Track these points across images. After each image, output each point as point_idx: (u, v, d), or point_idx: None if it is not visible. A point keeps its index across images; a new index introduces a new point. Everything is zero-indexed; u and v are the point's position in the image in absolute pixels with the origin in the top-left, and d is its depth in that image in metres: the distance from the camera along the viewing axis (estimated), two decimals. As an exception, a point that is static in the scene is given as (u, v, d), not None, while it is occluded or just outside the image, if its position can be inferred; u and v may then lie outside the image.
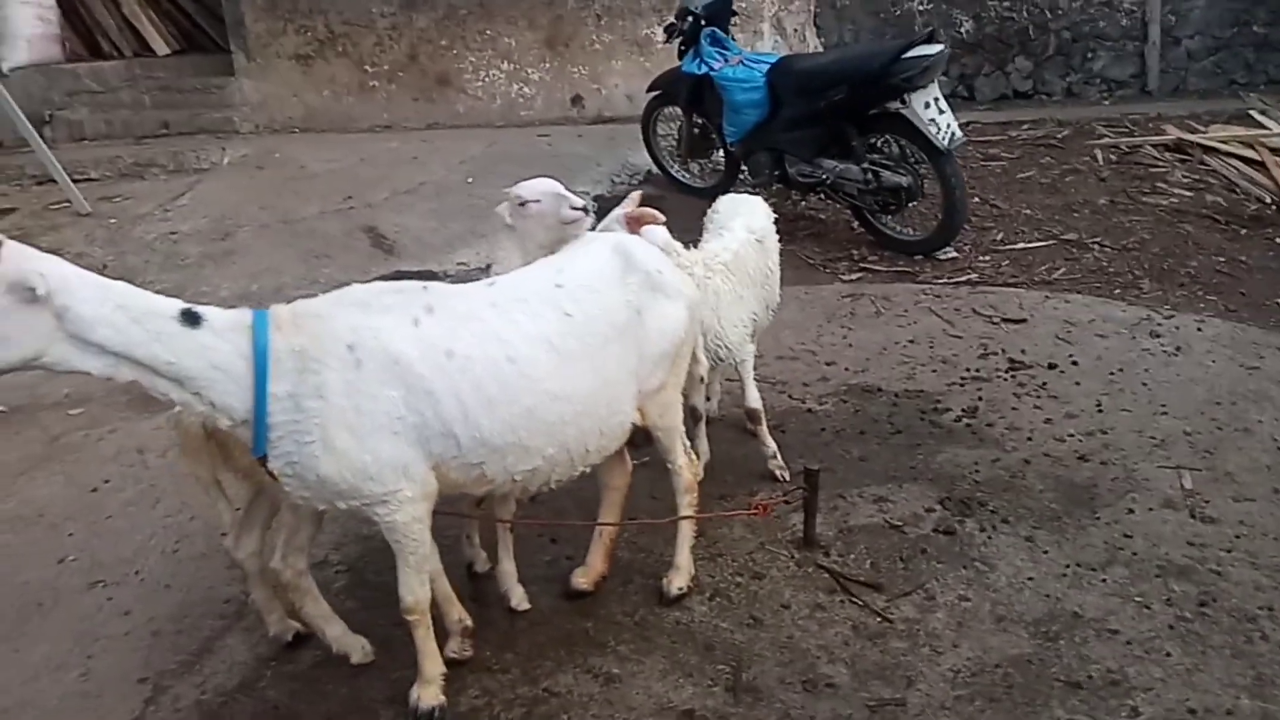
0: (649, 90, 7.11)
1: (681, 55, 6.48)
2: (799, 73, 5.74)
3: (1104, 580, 2.82)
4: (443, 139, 8.83)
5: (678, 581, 2.83)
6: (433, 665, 2.42)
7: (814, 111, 5.69)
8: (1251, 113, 7.31)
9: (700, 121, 6.71)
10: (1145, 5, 9.64)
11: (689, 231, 6.18)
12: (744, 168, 6.61)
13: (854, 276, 5.58)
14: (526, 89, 9.96)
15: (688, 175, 7.22)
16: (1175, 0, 9.63)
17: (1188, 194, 6.19)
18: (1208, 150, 6.67)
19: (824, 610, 2.79)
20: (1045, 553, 2.97)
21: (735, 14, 6.63)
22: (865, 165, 5.62)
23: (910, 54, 5.11)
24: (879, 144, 5.71)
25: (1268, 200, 5.79)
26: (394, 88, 9.71)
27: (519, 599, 2.82)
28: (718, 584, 2.92)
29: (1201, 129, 7.09)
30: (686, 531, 2.86)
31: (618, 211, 3.05)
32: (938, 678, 2.49)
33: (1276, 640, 2.53)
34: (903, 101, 5.26)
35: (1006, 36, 9.97)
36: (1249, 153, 6.47)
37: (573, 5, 9.77)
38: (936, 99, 5.25)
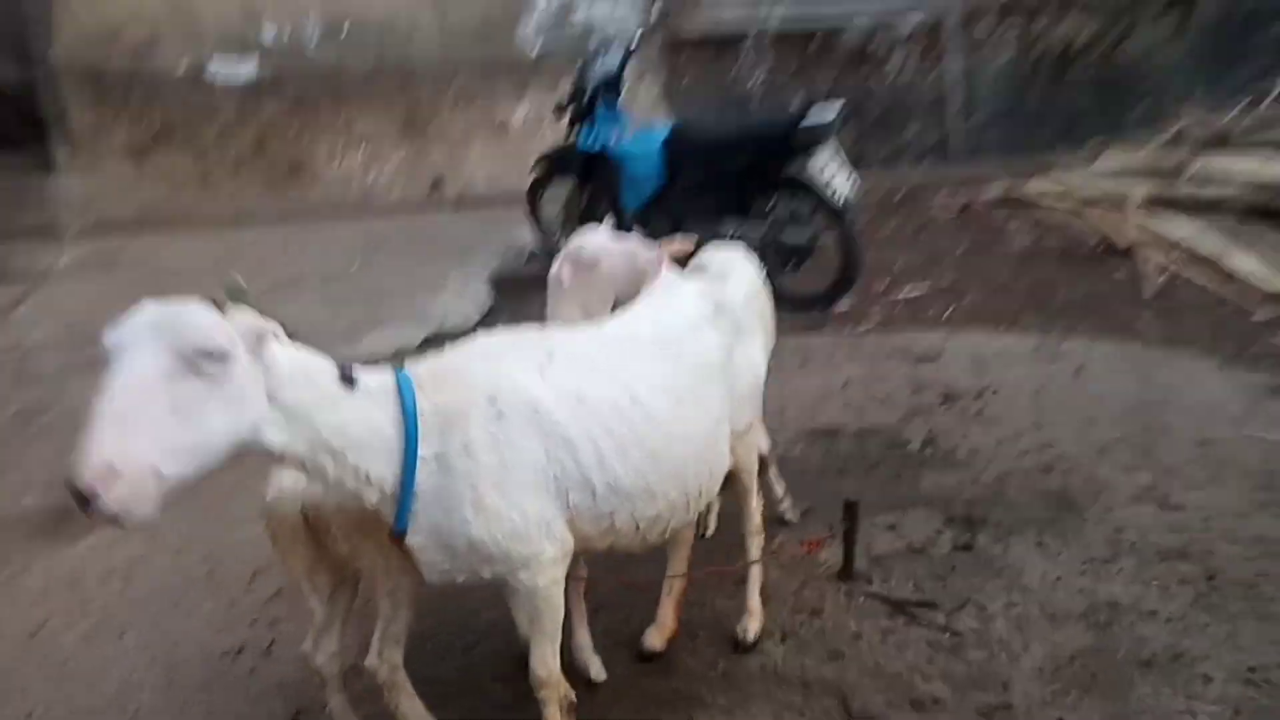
0: (533, 167, 7.23)
1: (571, 131, 6.67)
2: (700, 141, 6.05)
3: (1120, 570, 3.12)
4: (305, 229, 8.52)
5: (754, 627, 2.86)
6: (558, 736, 2.31)
7: (716, 177, 6.00)
8: (1055, 169, 8.38)
9: (589, 194, 6.90)
10: (943, 83, 10.89)
11: None
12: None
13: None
14: (384, 174, 9.83)
15: (575, 249, 7.34)
16: (967, 76, 10.94)
17: (1028, 240, 7.00)
18: (1029, 204, 7.58)
19: (894, 634, 2.90)
20: (1059, 554, 3.25)
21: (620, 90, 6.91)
22: (767, 226, 5.97)
23: (809, 120, 5.53)
24: (773, 205, 6.09)
25: (1094, 243, 6.66)
26: (240, 178, 9.29)
27: (598, 670, 2.75)
28: (782, 625, 2.97)
29: (1019, 184, 8.05)
30: (756, 575, 2.90)
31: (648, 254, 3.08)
32: (1027, 678, 2.65)
33: (1282, 600, 2.89)
34: (803, 164, 5.66)
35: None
36: (1064, 204, 7.42)
37: (429, 89, 9.80)
38: (831, 161, 5.70)
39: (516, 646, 2.61)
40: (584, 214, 7.04)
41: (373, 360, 5.72)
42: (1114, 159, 8.04)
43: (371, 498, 1.97)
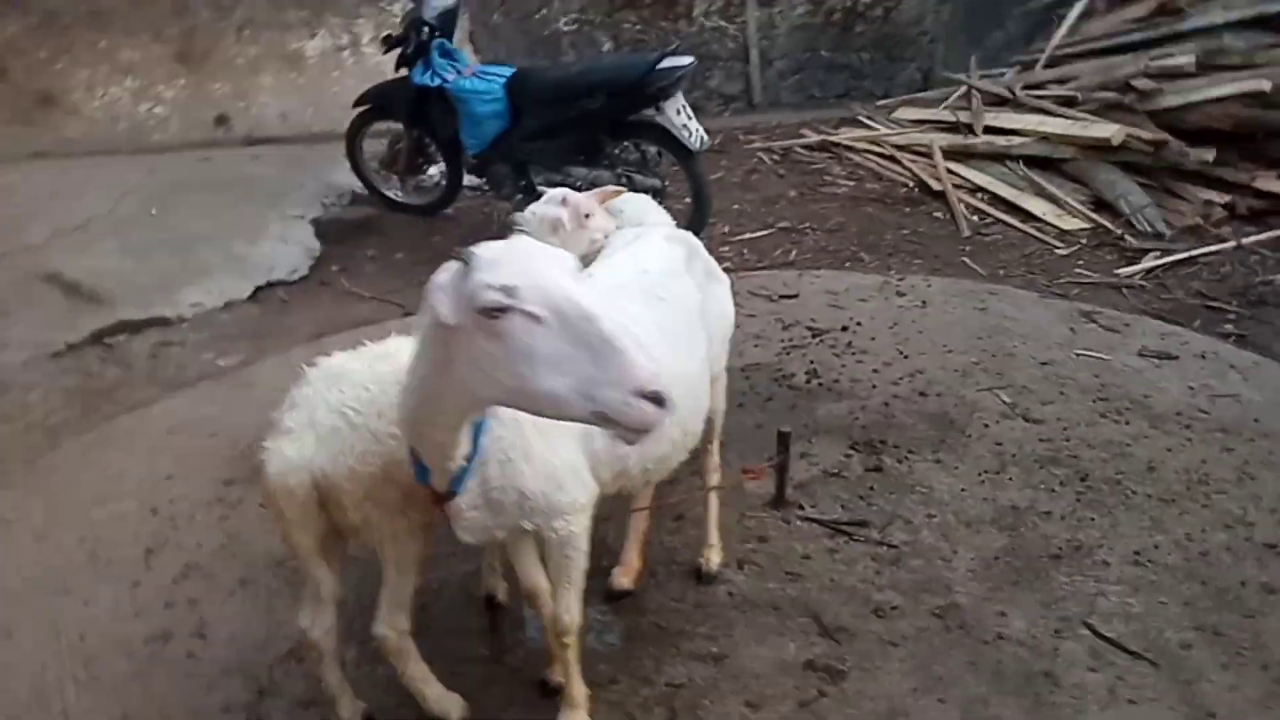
0: (356, 104, 6.74)
1: (401, 67, 6.28)
2: (549, 83, 5.90)
3: (1010, 479, 3.49)
4: (72, 168, 7.46)
5: (715, 558, 2.94)
6: (580, 689, 2.28)
7: (565, 120, 5.89)
8: (859, 117, 8.97)
9: (418, 135, 6.58)
10: (745, 31, 11.24)
11: (416, 250, 6.07)
12: (481, 180, 6.62)
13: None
14: (158, 109, 8.80)
15: (403, 193, 7.00)
16: (765, 28, 11.36)
17: (850, 183, 7.48)
18: (848, 149, 8.09)
19: (839, 553, 3.08)
20: (956, 468, 3.57)
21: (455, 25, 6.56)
22: (619, 170, 5.97)
23: (664, 64, 5.55)
24: (620, 150, 6.10)
25: (910, 185, 7.23)
26: (-26, 108, 7.98)
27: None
28: (735, 555, 3.07)
29: (831, 132, 8.55)
30: (715, 509, 2.97)
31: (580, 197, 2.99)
32: (964, 579, 2.93)
33: (1143, 493, 3.37)
34: (657, 109, 5.69)
35: (640, 55, 10.98)
36: (877, 149, 7.98)
37: (207, 15, 8.83)
38: (684, 106, 5.77)
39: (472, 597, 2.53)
40: (412, 155, 6.72)
41: (206, 317, 5.33)
42: (913, 111, 8.71)
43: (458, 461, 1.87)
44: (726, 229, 6.65)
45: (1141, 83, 6.77)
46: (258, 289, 5.71)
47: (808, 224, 6.65)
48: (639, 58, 5.81)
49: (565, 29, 10.56)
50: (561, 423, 1.96)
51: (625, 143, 6.07)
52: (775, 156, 8.28)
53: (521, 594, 2.35)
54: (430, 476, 1.89)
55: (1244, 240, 5.79)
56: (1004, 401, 4.09)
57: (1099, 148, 6.67)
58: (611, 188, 3.19)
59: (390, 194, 6.97)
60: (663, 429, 2.14)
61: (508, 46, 10.39)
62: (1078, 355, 4.50)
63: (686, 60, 5.64)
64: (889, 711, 2.42)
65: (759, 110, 11.00)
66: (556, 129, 5.96)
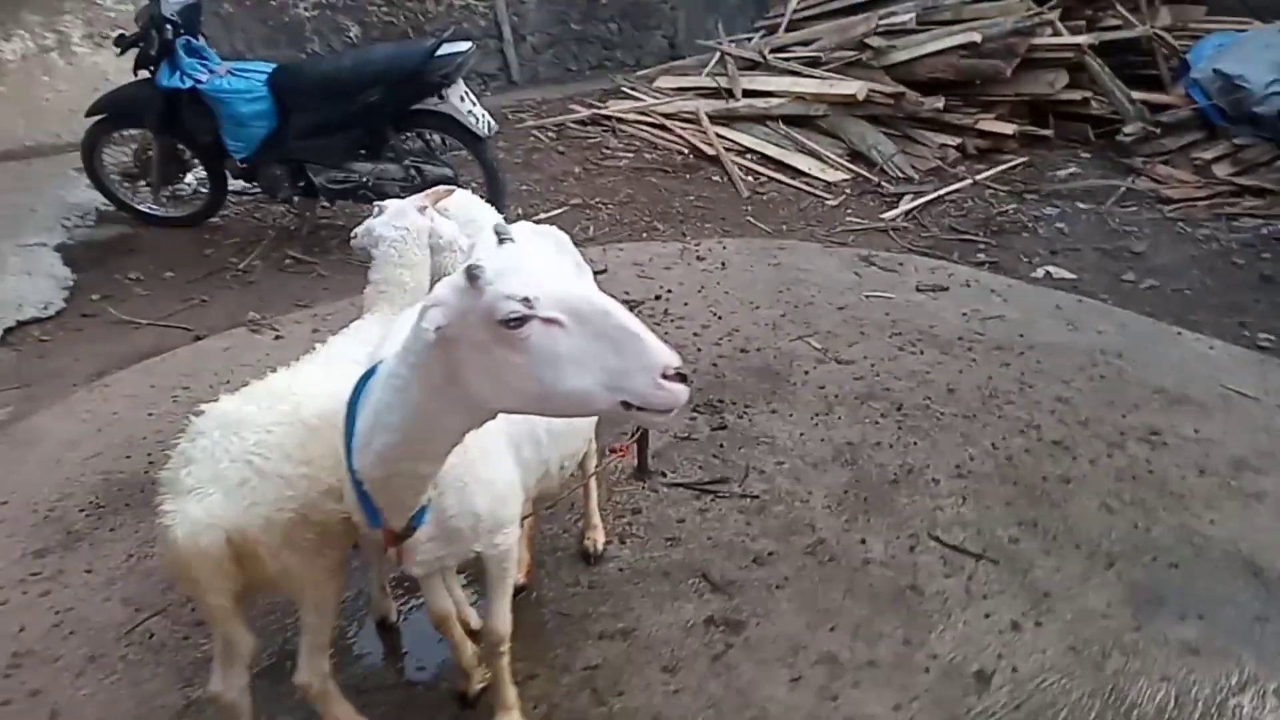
0: (90, 113, 6.07)
1: (142, 69, 5.73)
2: (320, 78, 5.60)
3: (839, 418, 3.83)
4: None
5: (600, 538, 3.02)
6: (511, 691, 2.31)
7: (342, 115, 5.64)
8: (623, 88, 9.20)
9: (170, 142, 6.06)
10: (495, 8, 11.13)
11: (188, 266, 5.66)
12: (251, 184, 6.20)
13: (425, 269, 5.77)
14: None
15: (158, 206, 6.43)
16: (514, 4, 11.31)
17: (629, 155, 7.69)
18: (620, 120, 8.29)
19: (708, 511, 3.26)
20: (791, 415, 3.87)
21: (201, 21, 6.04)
22: (407, 163, 5.81)
23: (443, 51, 5.43)
24: (405, 141, 5.93)
25: (685, 151, 7.56)
26: None
27: (477, 618, 2.72)
28: (614, 530, 3.17)
29: (600, 105, 8.72)
30: (595, 492, 3.05)
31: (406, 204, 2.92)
32: (823, 516, 3.20)
33: (949, 413, 3.81)
34: (440, 96, 5.57)
35: (390, 39, 10.59)
36: (646, 119, 8.25)
37: None
38: (467, 92, 5.69)
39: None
40: (165, 164, 6.16)
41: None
42: (672, 80, 9.04)
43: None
44: (520, 211, 6.62)
45: (874, 40, 7.45)
46: (7, 331, 5.04)
47: (598, 199, 6.79)
48: (416, 46, 5.63)
49: (307, 15, 9.97)
50: (498, 440, 1.98)
51: (409, 134, 5.91)
52: (551, 134, 8.33)
53: (430, 621, 2.32)
54: (381, 519, 1.82)
55: (978, 177, 6.58)
56: (815, 348, 4.44)
57: (847, 103, 7.29)
58: (442, 188, 3.12)
59: (144, 208, 6.37)
60: (574, 423, 2.22)
61: (245, 38, 9.66)
62: (867, 297, 4.96)
63: (465, 45, 5.55)
64: (791, 648, 2.62)
65: (520, 88, 10.96)
66: (333, 124, 5.69)
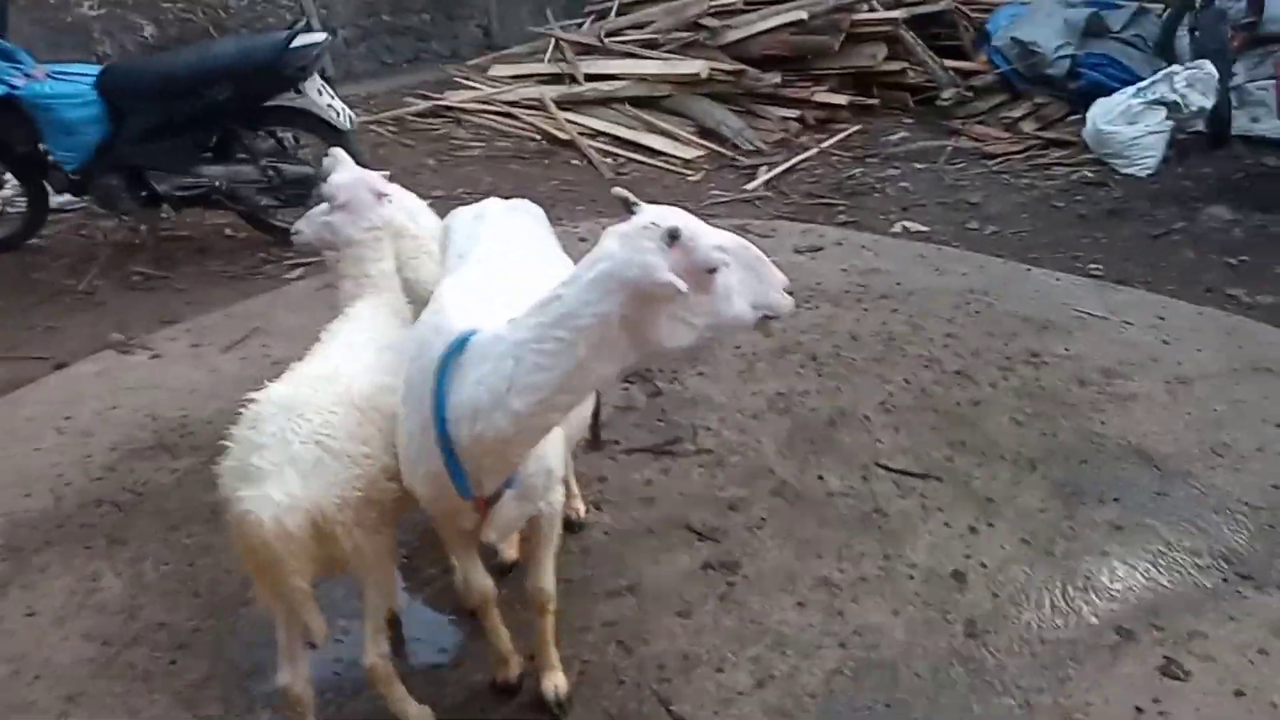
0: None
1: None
2: (158, 77, 5.22)
3: (764, 372, 4.07)
4: None
5: (582, 506, 3.10)
6: (554, 652, 2.37)
7: (186, 116, 5.29)
8: (457, 79, 9.09)
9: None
10: (300, 1, 10.64)
11: (17, 293, 5.27)
12: (80, 198, 5.72)
13: (296, 274, 5.56)
14: None
15: (-33, 228, 5.82)
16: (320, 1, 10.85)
17: (480, 144, 7.64)
18: (463, 111, 8.21)
19: (671, 470, 3.41)
20: (718, 375, 4.06)
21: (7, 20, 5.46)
22: (263, 164, 5.54)
23: (299, 43, 5.21)
24: (254, 141, 5.65)
25: (538, 138, 7.60)
26: None
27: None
28: (587, 499, 3.25)
29: (440, 96, 8.59)
30: (570, 464, 3.11)
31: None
32: (778, 459, 3.42)
33: (860, 358, 4.14)
34: (297, 91, 5.35)
35: (191, 37, 9.92)
36: (490, 108, 8.21)
37: None
38: (323, 85, 5.49)
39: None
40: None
41: None
42: (507, 68, 9.03)
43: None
44: (382, 207, 6.45)
45: (708, 21, 7.78)
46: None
47: (460, 189, 6.71)
48: (267, 39, 5.37)
49: (93, 14, 9.15)
50: None
51: (260, 132, 5.62)
52: (391, 128, 8.12)
53: (472, 607, 2.33)
54: (470, 486, 1.83)
55: (822, 146, 7.06)
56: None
57: (689, 83, 7.59)
58: (382, 173, 3.05)
59: (-49, 232, 5.72)
60: None
61: (22, 39, 8.72)
62: (775, 261, 5.24)
63: (321, 36, 5.37)
64: (787, 577, 2.82)
65: (338, 83, 10.52)
66: (176, 126, 5.34)
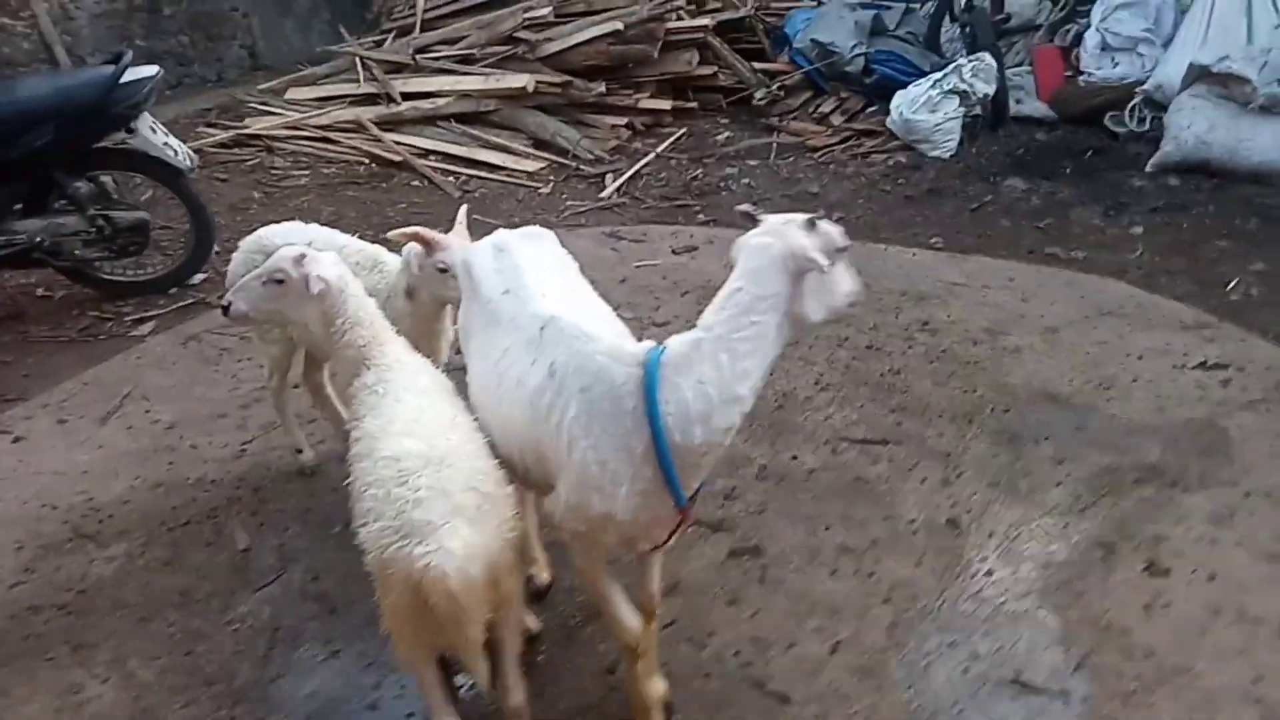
0: None
1: None
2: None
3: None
4: None
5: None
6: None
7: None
8: (253, 104, 8.51)
9: None
10: (37, 27, 9.54)
11: None
12: None
13: (145, 330, 5.07)
14: None
15: None
16: (61, 20, 9.78)
17: (305, 172, 7.24)
18: (270, 138, 7.73)
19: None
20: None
21: None
22: (91, 212, 5.00)
23: (129, 78, 4.74)
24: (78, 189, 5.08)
25: (367, 161, 7.31)
26: None
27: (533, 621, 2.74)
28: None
29: (240, 125, 8.02)
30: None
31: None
32: (749, 448, 3.61)
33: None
34: (128, 130, 4.87)
35: (-87, 73, 8.63)
36: (300, 133, 7.80)
37: None
38: (156, 122, 5.04)
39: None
40: None
41: None
42: (305, 90, 8.58)
43: None
44: (218, 249, 5.99)
45: (525, 34, 7.84)
46: None
47: (304, 222, 6.34)
48: (91, 74, 4.83)
49: None
50: None
51: (82, 178, 5.04)
52: (198, 162, 7.47)
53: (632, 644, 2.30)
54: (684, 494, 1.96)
55: (658, 150, 7.34)
56: (628, 318, 4.70)
57: (515, 96, 7.61)
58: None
59: None
60: None
61: None
62: (637, 267, 5.42)
63: (152, 70, 4.92)
64: (810, 552, 3.02)
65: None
66: (-14, 178, 4.69)
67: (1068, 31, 7.89)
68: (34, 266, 5.11)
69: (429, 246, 2.81)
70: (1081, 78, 7.45)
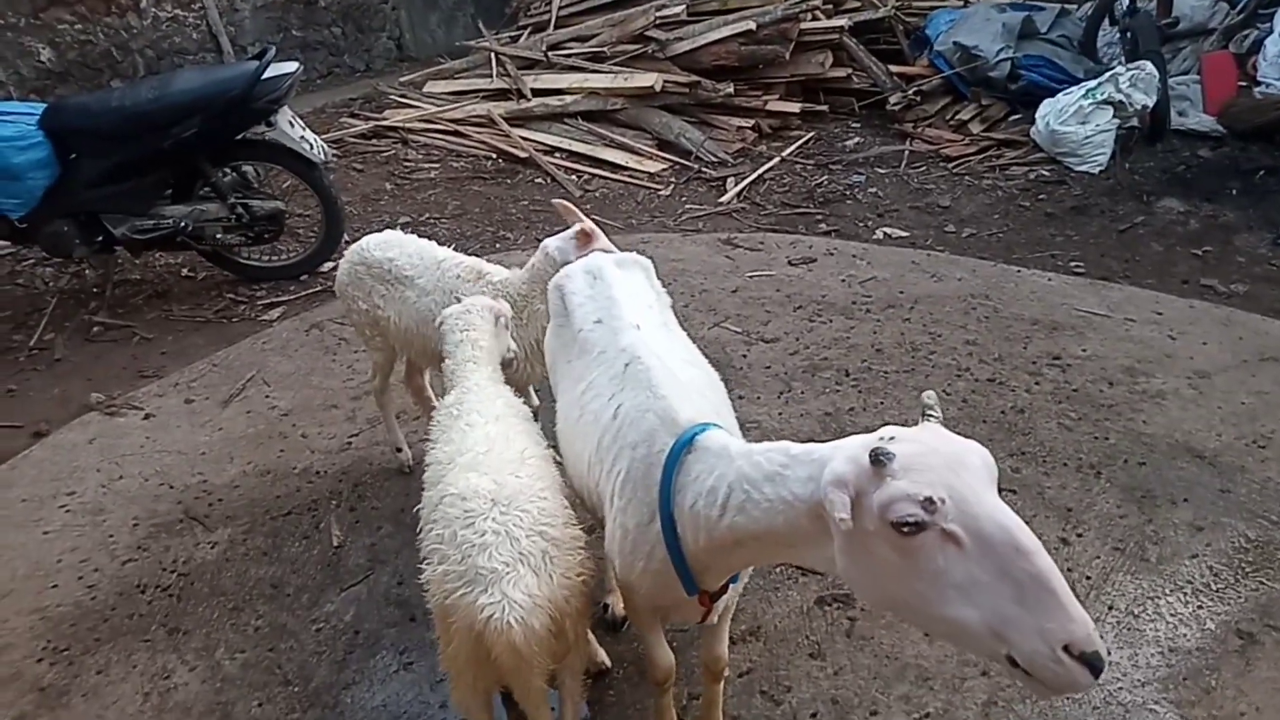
0: None
1: None
2: (118, 115, 4.83)
3: (801, 393, 4.08)
4: None
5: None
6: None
7: (150, 155, 4.95)
8: (395, 97, 8.77)
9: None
10: (206, 18, 10.13)
11: None
12: (22, 246, 5.31)
13: (274, 315, 5.27)
14: None
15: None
16: (228, 13, 10.36)
17: (435, 165, 7.40)
18: (408, 131, 7.94)
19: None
20: (759, 398, 4.05)
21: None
22: (231, 200, 5.24)
23: (271, 73, 4.93)
24: (223, 177, 5.33)
25: (494, 156, 7.41)
26: None
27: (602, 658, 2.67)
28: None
29: (380, 116, 8.28)
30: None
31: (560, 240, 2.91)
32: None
33: (891, 370, 4.20)
34: (268, 123, 5.07)
35: (92, 61, 9.31)
36: (435, 126, 7.97)
37: None
38: (294, 116, 5.22)
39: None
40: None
41: None
42: (443, 84, 8.78)
43: None
44: (346, 239, 6.18)
45: (655, 33, 7.75)
46: None
47: (428, 215, 6.51)
48: (237, 69, 5.05)
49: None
50: None
51: (227, 168, 5.30)
52: (335, 151, 7.76)
53: (660, 680, 2.23)
54: (695, 584, 1.79)
55: (784, 154, 7.13)
56: (736, 332, 4.67)
57: (642, 95, 7.54)
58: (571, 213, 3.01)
59: None
60: None
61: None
62: (751, 277, 5.26)
63: (292, 66, 5.10)
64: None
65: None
66: (136, 166, 4.99)
67: (1245, 37, 7.17)
68: (179, 249, 5.41)
69: (587, 238, 2.78)
70: (1258, 89, 6.76)
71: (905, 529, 1.28)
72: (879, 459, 1.32)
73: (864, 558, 1.38)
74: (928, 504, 1.26)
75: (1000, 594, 1.26)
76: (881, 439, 1.37)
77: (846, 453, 1.39)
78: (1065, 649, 1.22)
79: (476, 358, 2.45)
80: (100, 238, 5.13)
